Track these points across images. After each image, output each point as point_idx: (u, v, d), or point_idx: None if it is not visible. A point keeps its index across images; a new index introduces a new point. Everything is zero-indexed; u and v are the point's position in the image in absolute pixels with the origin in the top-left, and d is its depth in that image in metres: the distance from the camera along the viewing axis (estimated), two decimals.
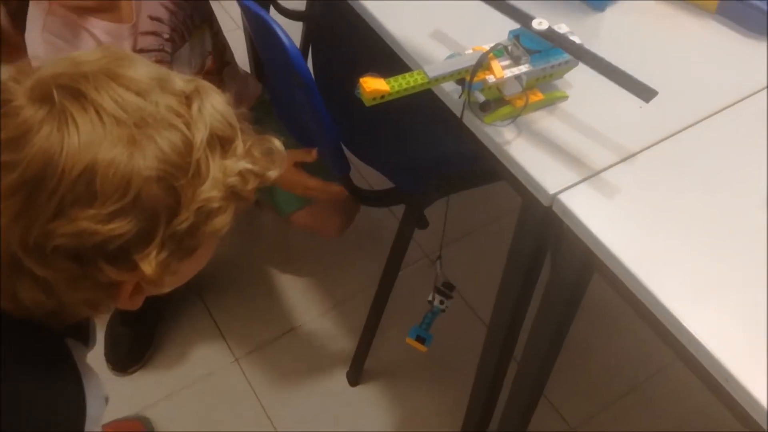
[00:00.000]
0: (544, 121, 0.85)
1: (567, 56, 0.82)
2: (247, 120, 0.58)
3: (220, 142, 0.54)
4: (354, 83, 0.76)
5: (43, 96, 0.48)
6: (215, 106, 0.55)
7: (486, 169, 0.88)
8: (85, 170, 0.47)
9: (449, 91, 0.87)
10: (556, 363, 1.08)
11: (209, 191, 0.52)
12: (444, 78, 0.79)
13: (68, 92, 0.48)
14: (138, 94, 0.50)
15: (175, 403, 1.40)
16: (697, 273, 0.71)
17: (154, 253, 0.51)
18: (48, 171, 0.46)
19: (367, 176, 1.49)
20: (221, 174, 0.53)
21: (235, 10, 2.19)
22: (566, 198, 0.77)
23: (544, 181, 0.78)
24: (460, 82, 0.82)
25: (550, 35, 0.79)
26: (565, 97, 0.86)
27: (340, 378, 1.46)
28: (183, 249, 0.54)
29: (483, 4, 0.86)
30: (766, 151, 0.82)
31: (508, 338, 1.06)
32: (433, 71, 0.78)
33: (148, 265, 0.51)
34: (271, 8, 1.40)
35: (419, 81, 0.77)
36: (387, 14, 0.98)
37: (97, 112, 0.48)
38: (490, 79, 0.79)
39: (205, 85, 0.56)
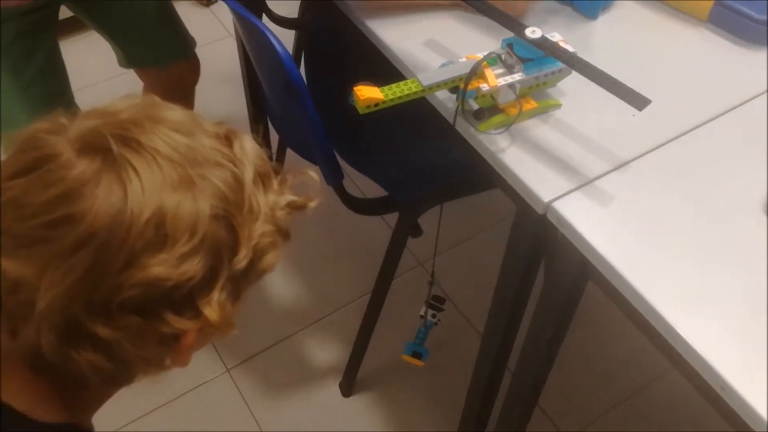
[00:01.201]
0: (537, 129, 0.85)
1: (560, 65, 0.82)
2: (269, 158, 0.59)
3: (262, 179, 0.54)
4: (347, 91, 0.76)
5: (93, 147, 0.47)
6: (251, 145, 0.55)
7: (480, 177, 0.87)
8: (153, 215, 0.46)
9: (443, 99, 0.86)
10: (550, 373, 1.07)
11: (262, 226, 0.53)
12: (438, 86, 0.79)
13: (120, 140, 0.47)
14: (184, 134, 0.50)
15: (166, 415, 1.39)
16: (692, 281, 0.71)
17: (216, 296, 0.50)
18: (117, 220, 0.45)
19: (360, 184, 1.49)
20: (269, 209, 0.54)
21: (227, 19, 2.19)
22: (560, 206, 0.77)
23: (538, 189, 0.78)
24: (454, 90, 0.82)
25: (543, 44, 0.79)
26: (558, 106, 0.87)
27: (332, 388, 1.45)
28: (237, 290, 0.54)
29: (476, 13, 0.87)
30: (759, 158, 0.82)
31: (502, 347, 1.06)
32: (426, 79, 0.78)
33: (212, 310, 0.50)
34: (264, 16, 1.39)
35: (413, 89, 0.77)
36: (381, 23, 0.98)
37: (153, 157, 0.47)
38: (484, 87, 0.79)
39: (232, 128, 0.56)
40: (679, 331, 0.67)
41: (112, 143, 0.47)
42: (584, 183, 0.79)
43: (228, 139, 0.54)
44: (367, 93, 0.75)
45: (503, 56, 0.82)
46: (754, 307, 0.69)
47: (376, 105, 0.76)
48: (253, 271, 0.54)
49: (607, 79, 0.76)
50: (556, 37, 0.82)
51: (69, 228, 0.45)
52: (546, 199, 0.77)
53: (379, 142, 1.29)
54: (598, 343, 1.50)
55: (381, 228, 1.65)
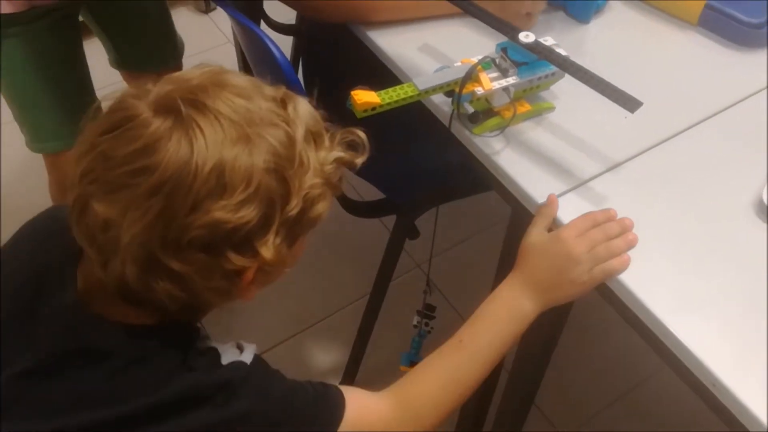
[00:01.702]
0: (531, 131, 0.86)
1: (553, 68, 0.83)
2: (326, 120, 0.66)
3: (313, 137, 0.61)
4: (344, 96, 0.77)
5: (166, 108, 0.55)
6: (305, 106, 0.62)
7: (475, 179, 0.89)
8: (214, 167, 0.53)
9: (438, 103, 0.88)
10: (546, 371, 1.09)
11: (312, 179, 0.59)
12: (434, 90, 0.80)
13: (189, 103, 0.55)
14: (244, 98, 0.57)
15: None
16: (684, 280, 0.72)
17: (271, 239, 0.57)
18: (184, 171, 0.53)
19: (357, 187, 1.50)
20: (319, 164, 0.60)
21: (226, 25, 2.21)
22: None
23: (532, 190, 0.80)
24: (450, 94, 0.83)
25: (536, 48, 0.81)
26: (551, 108, 0.88)
27: None
28: (292, 235, 0.60)
29: (470, 18, 0.88)
30: (750, 159, 0.83)
31: None
32: (422, 84, 0.79)
33: (268, 251, 0.57)
34: (262, 23, 1.41)
35: (409, 93, 0.79)
36: (377, 29, 0.99)
37: (216, 117, 0.54)
38: (479, 91, 0.81)
39: (289, 91, 0.63)
40: (671, 330, 0.68)
41: (181, 105, 0.54)
42: (578, 184, 0.81)
43: (284, 101, 0.60)
44: (364, 97, 0.76)
45: (497, 60, 0.83)
46: (745, 306, 0.70)
47: (373, 109, 0.77)
48: (305, 219, 0.60)
49: (600, 82, 0.77)
50: (549, 41, 0.83)
51: (146, 177, 0.53)
52: (540, 200, 0.79)
53: (376, 146, 1.30)
54: (592, 342, 1.51)
55: (379, 230, 1.66)
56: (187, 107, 0.54)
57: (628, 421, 1.42)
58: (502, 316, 0.74)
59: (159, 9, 1.38)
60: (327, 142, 0.63)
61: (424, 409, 0.73)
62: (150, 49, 1.41)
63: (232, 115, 0.55)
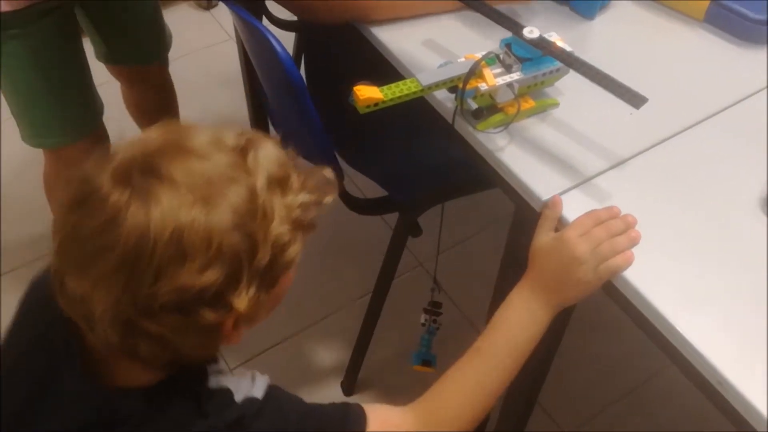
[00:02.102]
0: (535, 128, 0.86)
1: (558, 64, 0.82)
2: (297, 156, 0.66)
3: (278, 183, 0.60)
4: (347, 92, 0.77)
5: (124, 178, 0.56)
6: (267, 152, 0.61)
7: (479, 176, 0.88)
8: (172, 234, 0.54)
9: (442, 99, 0.87)
10: (550, 370, 1.08)
11: (278, 228, 0.59)
12: (437, 86, 0.80)
13: (145, 171, 0.56)
14: (201, 158, 0.57)
15: None
16: (689, 277, 0.72)
17: (244, 292, 0.58)
18: (143, 242, 0.54)
19: (359, 184, 1.50)
20: (285, 210, 0.60)
21: (227, 22, 2.20)
22: None
23: (536, 187, 0.79)
24: (453, 90, 0.82)
25: (540, 43, 0.80)
26: (556, 105, 0.87)
27: (334, 388, 1.45)
28: (267, 281, 0.60)
29: (475, 13, 0.87)
30: (756, 155, 0.83)
31: None
32: (425, 79, 0.79)
33: (242, 303, 0.57)
34: (264, 18, 1.40)
35: (412, 89, 0.78)
36: (379, 24, 0.98)
37: (172, 183, 0.55)
38: (483, 86, 0.80)
39: (255, 135, 0.63)
40: (677, 327, 0.68)
41: (136, 176, 0.55)
42: (582, 181, 0.80)
43: (245, 151, 0.60)
44: (366, 93, 0.76)
45: (501, 56, 0.83)
46: (750, 303, 0.70)
47: (376, 105, 0.77)
48: (277, 265, 0.60)
49: (605, 78, 0.77)
50: (553, 36, 0.83)
51: (109, 253, 0.54)
52: (544, 197, 0.78)
53: (378, 143, 1.30)
54: (596, 340, 1.50)
55: (381, 228, 1.65)
56: (143, 176, 0.55)
57: (633, 420, 1.42)
58: (515, 321, 0.75)
59: (151, 5, 1.38)
60: (295, 183, 0.62)
61: (447, 421, 0.73)
62: (140, 43, 1.41)
63: (189, 179, 0.55)
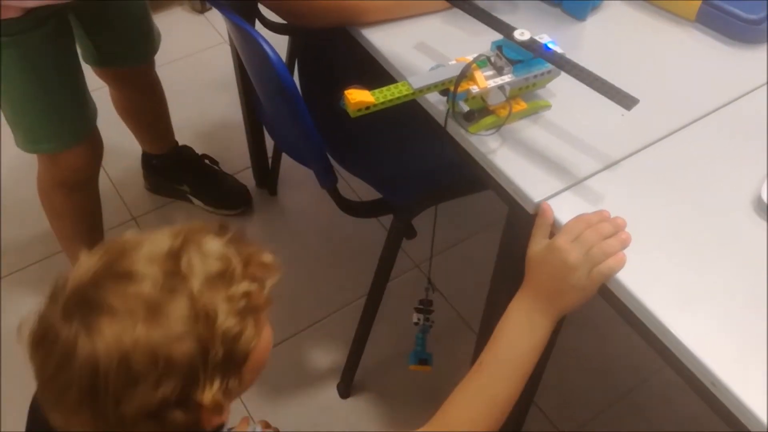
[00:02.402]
0: (527, 130, 0.86)
1: (549, 66, 0.82)
2: (241, 233, 0.68)
3: (218, 278, 0.62)
4: (340, 96, 0.77)
5: (69, 314, 0.59)
6: (203, 250, 0.63)
7: (472, 178, 0.88)
8: (120, 362, 0.57)
9: (434, 102, 0.87)
10: (546, 371, 1.08)
11: (224, 323, 0.60)
12: (428, 89, 0.80)
13: (85, 304, 0.59)
14: (135, 281, 0.59)
15: None
16: (682, 278, 0.72)
17: (208, 388, 0.60)
18: (95, 376, 0.57)
19: (355, 187, 1.50)
20: (227, 304, 0.61)
21: (221, 25, 2.20)
22: (551, 205, 0.77)
23: (528, 189, 0.79)
24: (444, 92, 0.82)
25: (531, 45, 0.80)
26: (548, 106, 0.87)
27: (330, 390, 1.45)
28: (230, 370, 0.63)
29: (465, 16, 0.87)
30: (748, 155, 0.83)
31: None
32: (417, 82, 0.79)
33: (207, 398, 0.60)
34: (257, 22, 1.40)
35: (404, 92, 0.78)
36: (371, 27, 0.98)
37: (110, 312, 0.58)
38: (474, 89, 0.80)
39: (191, 231, 0.65)
40: (670, 328, 0.68)
41: (79, 309, 0.58)
42: (574, 183, 0.80)
43: (179, 255, 0.61)
44: (358, 96, 0.76)
45: (493, 58, 0.83)
46: (744, 303, 0.70)
47: (367, 108, 0.77)
48: (235, 354, 0.62)
49: (596, 79, 0.77)
50: (544, 38, 0.83)
51: (69, 390, 0.58)
52: (537, 199, 0.78)
53: (372, 145, 1.29)
54: (593, 341, 1.51)
55: (377, 230, 1.65)
56: (84, 310, 0.58)
57: (630, 420, 1.42)
58: (515, 332, 0.75)
59: (141, 6, 1.38)
60: (237, 271, 0.64)
61: None
62: (130, 45, 1.41)
63: (126, 303, 0.58)
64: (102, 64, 1.42)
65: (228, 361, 0.62)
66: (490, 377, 0.75)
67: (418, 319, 1.19)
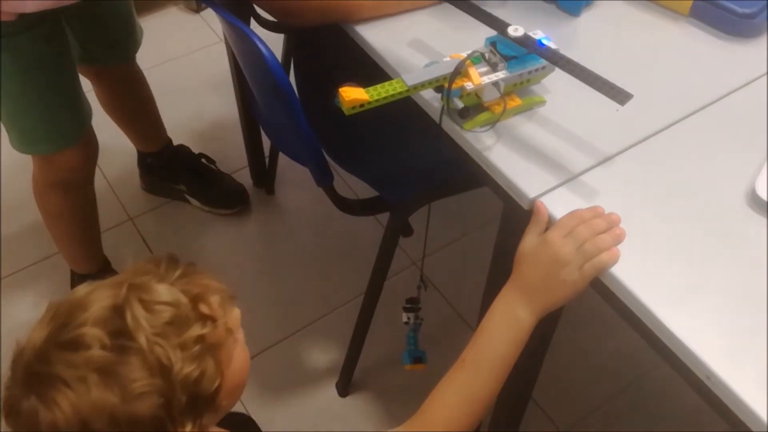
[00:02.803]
0: (522, 126, 0.86)
1: (543, 62, 0.82)
2: (191, 266, 0.68)
3: (168, 326, 0.62)
4: (335, 94, 0.77)
5: (27, 386, 0.60)
6: (146, 301, 0.62)
7: (468, 175, 0.88)
8: (82, 428, 0.58)
9: (429, 99, 0.87)
10: (543, 366, 1.08)
11: (181, 369, 0.60)
12: (422, 86, 0.80)
13: (38, 378, 0.60)
14: (83, 348, 0.59)
15: None
16: (677, 272, 0.72)
17: (182, 429, 0.61)
18: None
19: (351, 185, 1.50)
20: (182, 351, 0.61)
21: (217, 25, 2.20)
22: (546, 201, 0.78)
23: (524, 185, 0.79)
24: (439, 89, 0.82)
25: (525, 41, 0.80)
26: (542, 102, 0.87)
27: (329, 389, 1.46)
28: (201, 408, 0.63)
29: (459, 12, 0.87)
30: (742, 150, 0.83)
31: None
32: (411, 79, 0.79)
33: None
34: (252, 21, 1.40)
35: (398, 89, 0.78)
36: (366, 24, 0.98)
37: (63, 382, 0.58)
38: (468, 86, 0.80)
39: (137, 278, 0.64)
40: (665, 323, 0.68)
41: (34, 382, 0.59)
42: (569, 178, 0.80)
43: (121, 310, 0.61)
44: (352, 94, 0.76)
45: (487, 55, 0.83)
46: (738, 297, 0.70)
47: (362, 106, 0.77)
48: (201, 395, 0.62)
49: (590, 75, 0.77)
50: (538, 34, 0.83)
51: None
52: (532, 194, 0.78)
53: (368, 143, 1.30)
54: (590, 336, 1.51)
55: (374, 229, 1.65)
56: (38, 383, 0.59)
57: (628, 415, 1.42)
58: (498, 327, 0.75)
59: (126, 5, 1.38)
60: (189, 314, 0.63)
61: (435, 429, 0.74)
62: (114, 44, 1.41)
63: (76, 372, 0.58)
64: (86, 62, 1.42)
65: (194, 404, 0.62)
66: (471, 376, 0.75)
67: (408, 318, 1.19)
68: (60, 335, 0.61)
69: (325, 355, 1.51)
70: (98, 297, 0.62)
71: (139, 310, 0.61)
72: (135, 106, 1.61)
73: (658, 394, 1.44)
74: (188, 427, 0.61)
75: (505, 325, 0.75)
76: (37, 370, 0.60)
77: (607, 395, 1.45)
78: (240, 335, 0.70)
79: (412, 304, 1.19)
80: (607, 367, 1.49)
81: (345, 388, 1.44)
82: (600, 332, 1.50)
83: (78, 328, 0.60)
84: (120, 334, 0.60)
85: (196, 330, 0.63)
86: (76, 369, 0.59)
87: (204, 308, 0.65)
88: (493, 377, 0.74)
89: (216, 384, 0.63)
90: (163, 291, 0.63)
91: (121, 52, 1.44)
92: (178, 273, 0.66)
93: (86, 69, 1.45)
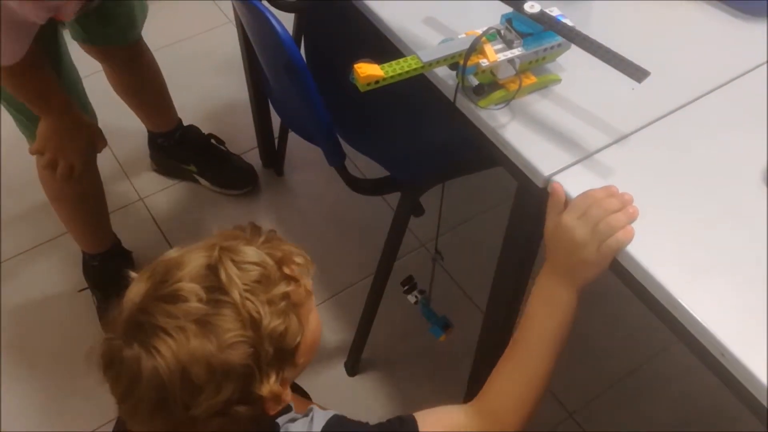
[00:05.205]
0: (537, 104, 0.85)
1: (559, 39, 0.82)
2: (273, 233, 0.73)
3: (257, 284, 0.66)
4: (347, 73, 0.76)
5: (129, 337, 0.64)
6: (237, 261, 0.66)
7: (481, 154, 0.88)
8: (182, 374, 0.62)
9: (443, 77, 0.87)
10: (563, 347, 1.08)
11: (269, 324, 0.65)
12: (437, 62, 0.79)
13: (140, 328, 0.64)
14: (182, 300, 0.64)
15: None
16: (691, 251, 0.72)
17: (266, 382, 0.65)
18: (162, 390, 0.62)
19: (360, 165, 1.50)
20: (269, 307, 0.66)
21: (226, 5, 2.19)
22: (561, 179, 0.78)
23: (538, 163, 0.79)
24: (454, 66, 0.82)
25: (541, 18, 0.79)
26: (557, 80, 0.87)
27: (338, 368, 1.46)
28: (284, 362, 0.68)
29: None
30: (758, 129, 0.82)
31: (504, 324, 1.07)
32: (426, 56, 0.78)
33: (266, 390, 0.65)
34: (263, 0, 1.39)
35: (413, 66, 0.78)
36: (380, 2, 0.98)
37: (164, 331, 0.63)
38: (484, 63, 0.80)
39: (226, 242, 0.68)
40: (680, 300, 0.68)
41: (136, 333, 0.64)
42: (584, 156, 0.80)
43: (215, 269, 0.65)
44: (367, 70, 0.75)
45: (502, 31, 0.82)
46: (754, 275, 0.70)
47: (377, 82, 0.76)
48: (284, 348, 0.67)
49: (607, 52, 0.76)
50: (554, 11, 0.82)
51: (142, 404, 0.64)
52: (547, 173, 0.78)
53: (380, 123, 1.29)
54: (599, 318, 1.51)
55: (383, 210, 1.66)
56: (141, 333, 0.64)
57: (637, 398, 1.42)
58: (542, 307, 0.78)
59: None
60: (275, 274, 0.68)
61: (503, 409, 0.77)
62: (113, 24, 1.40)
63: (174, 323, 0.63)
64: (88, 42, 1.42)
65: (279, 357, 0.67)
66: (526, 354, 0.78)
67: (416, 298, 1.20)
68: (159, 289, 0.65)
69: (334, 335, 1.51)
70: (193, 257, 0.67)
71: (231, 269, 0.65)
72: (143, 86, 1.61)
73: (667, 376, 1.44)
74: (272, 378, 0.66)
75: (549, 305, 0.77)
76: (139, 320, 0.64)
77: (616, 377, 1.45)
78: (313, 299, 0.75)
79: (409, 284, 1.20)
80: (617, 348, 1.49)
81: (354, 367, 1.45)
82: (609, 314, 1.51)
83: (176, 282, 0.65)
84: (215, 289, 0.65)
85: (281, 288, 0.68)
86: (176, 319, 0.63)
87: (287, 270, 0.70)
88: (545, 355, 0.77)
89: (298, 339, 0.68)
90: (251, 252, 0.68)
91: (121, 31, 1.43)
92: (262, 239, 0.71)
93: (90, 48, 1.45)
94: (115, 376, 0.65)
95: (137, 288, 0.67)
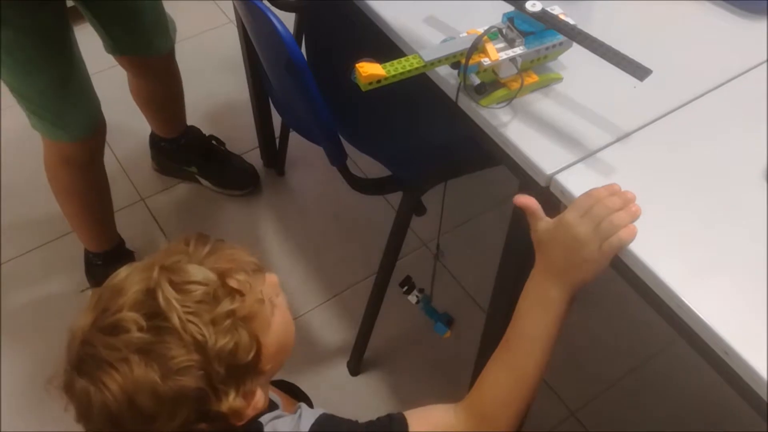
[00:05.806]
0: (539, 102, 0.85)
1: (561, 37, 0.82)
2: (220, 242, 0.72)
3: (200, 304, 0.65)
4: (348, 73, 0.76)
5: (78, 368, 0.65)
6: (177, 283, 0.65)
7: (483, 153, 0.88)
8: (129, 406, 0.62)
9: (444, 76, 0.87)
10: (554, 346, 1.08)
11: (216, 344, 0.63)
12: (439, 61, 0.79)
13: (86, 362, 0.64)
14: (122, 332, 0.63)
15: None
16: (694, 248, 0.72)
17: (224, 399, 0.65)
18: (113, 420, 0.63)
19: (361, 165, 1.50)
20: (214, 326, 0.64)
21: (227, 5, 2.19)
22: (563, 178, 0.77)
23: (540, 161, 0.79)
24: (456, 65, 0.82)
25: (543, 17, 0.79)
26: (559, 79, 0.87)
27: (340, 368, 1.47)
28: (242, 376, 0.66)
29: None
30: (759, 127, 0.82)
31: (506, 323, 1.07)
32: (428, 55, 0.78)
33: (227, 406, 0.65)
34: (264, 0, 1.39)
35: (415, 65, 0.78)
36: (381, 1, 0.98)
37: (109, 364, 0.63)
38: (485, 61, 0.80)
39: (166, 264, 0.66)
40: (683, 298, 0.68)
41: (83, 365, 0.64)
42: (586, 155, 0.80)
43: (154, 295, 0.64)
44: (369, 69, 0.75)
45: (504, 30, 0.82)
46: (756, 273, 0.70)
47: (378, 81, 0.76)
48: (239, 364, 0.65)
49: (609, 50, 0.76)
50: (556, 10, 0.82)
51: (100, 429, 0.64)
52: (549, 171, 0.78)
53: (381, 122, 1.29)
54: (601, 317, 1.51)
55: (385, 209, 1.66)
56: (88, 365, 0.64)
57: (638, 396, 1.42)
58: (534, 308, 0.76)
59: None
60: (218, 291, 0.66)
61: (492, 410, 0.76)
62: (142, 36, 1.41)
63: (119, 355, 0.62)
64: (118, 52, 1.43)
65: (233, 373, 0.65)
66: (517, 354, 0.77)
67: (416, 297, 1.21)
68: (101, 320, 0.65)
69: (336, 335, 1.51)
70: (132, 281, 0.66)
71: (169, 292, 0.64)
72: (165, 99, 1.62)
73: (669, 374, 1.44)
74: (231, 395, 0.65)
75: (540, 307, 0.76)
76: (86, 353, 0.65)
77: (617, 376, 1.45)
78: (280, 300, 0.73)
79: (408, 284, 1.20)
80: (618, 347, 1.49)
81: (356, 367, 1.45)
82: (611, 312, 1.51)
83: (116, 313, 0.64)
84: (155, 315, 0.64)
85: (226, 305, 0.66)
86: (118, 351, 0.63)
87: (232, 283, 0.68)
88: (536, 356, 0.76)
89: (252, 353, 0.66)
90: (193, 270, 0.67)
91: (148, 45, 1.43)
92: (206, 250, 0.69)
93: (120, 59, 1.46)
94: (72, 401, 0.66)
95: (84, 320, 0.66)
